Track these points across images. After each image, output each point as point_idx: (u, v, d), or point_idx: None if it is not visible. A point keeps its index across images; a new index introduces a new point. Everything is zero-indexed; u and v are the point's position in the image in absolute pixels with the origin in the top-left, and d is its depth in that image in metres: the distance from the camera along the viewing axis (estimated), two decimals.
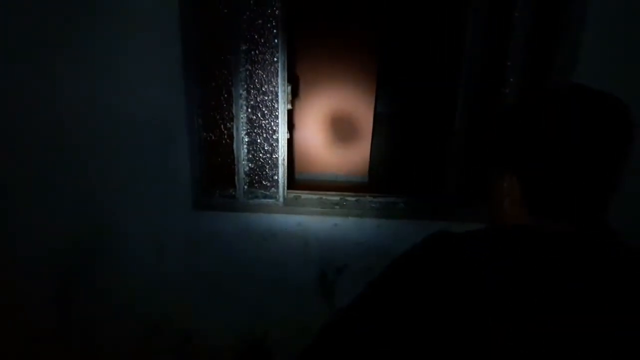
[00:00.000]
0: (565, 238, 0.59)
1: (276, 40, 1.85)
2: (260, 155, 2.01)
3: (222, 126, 1.97)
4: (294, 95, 2.02)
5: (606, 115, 0.58)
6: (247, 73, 1.90)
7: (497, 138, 0.64)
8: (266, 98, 1.94)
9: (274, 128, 1.97)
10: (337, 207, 2.04)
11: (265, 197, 2.05)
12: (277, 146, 1.99)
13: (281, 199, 2.04)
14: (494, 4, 1.81)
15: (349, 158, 2.62)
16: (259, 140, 1.99)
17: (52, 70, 1.81)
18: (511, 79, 1.88)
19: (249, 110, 1.95)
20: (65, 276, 2.06)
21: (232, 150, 1.98)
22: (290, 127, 2.04)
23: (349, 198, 2.08)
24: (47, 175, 1.94)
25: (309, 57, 2.27)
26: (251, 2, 1.82)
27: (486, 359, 0.55)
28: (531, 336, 0.55)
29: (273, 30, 1.84)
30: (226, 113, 1.95)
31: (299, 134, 2.26)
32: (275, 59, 1.88)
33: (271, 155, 2.01)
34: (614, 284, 0.58)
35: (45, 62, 1.81)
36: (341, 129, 2.46)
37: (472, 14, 1.82)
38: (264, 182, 2.05)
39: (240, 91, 1.91)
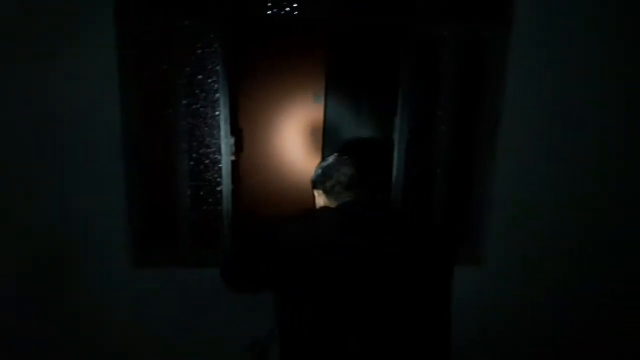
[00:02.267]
0: (355, 202, 1.17)
1: (217, 95, 1.88)
2: (204, 208, 1.99)
3: (162, 179, 1.94)
4: (239, 147, 2.04)
5: (346, 163, 1.24)
6: (189, 127, 1.91)
7: (315, 178, 1.29)
8: (209, 150, 1.94)
9: (218, 180, 1.96)
10: None
11: (210, 249, 2.01)
12: (221, 198, 1.98)
13: (227, 251, 2.00)
14: (421, 62, 1.95)
15: (300, 205, 2.62)
16: (201, 193, 1.97)
17: None
18: (442, 127, 2.00)
19: (192, 162, 1.94)
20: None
21: (174, 203, 1.95)
22: (237, 178, 2.05)
23: None
24: None
25: (254, 107, 2.31)
26: (192, 58, 1.85)
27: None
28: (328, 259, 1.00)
29: (214, 86, 1.88)
30: (167, 166, 1.93)
31: (246, 185, 2.26)
32: (217, 113, 1.90)
33: (215, 207, 1.99)
34: (379, 223, 1.08)
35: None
36: (291, 177, 2.48)
37: (402, 72, 1.94)
38: (208, 235, 2.01)
39: (182, 144, 1.90)
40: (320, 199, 1.27)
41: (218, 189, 1.97)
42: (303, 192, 2.43)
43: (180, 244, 1.98)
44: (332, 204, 1.22)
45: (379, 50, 2.54)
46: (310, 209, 1.28)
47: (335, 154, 1.30)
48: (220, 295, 1.96)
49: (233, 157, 1.98)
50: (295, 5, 1.80)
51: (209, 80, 1.88)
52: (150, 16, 1.78)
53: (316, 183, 1.28)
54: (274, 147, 2.31)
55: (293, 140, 2.37)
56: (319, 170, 1.27)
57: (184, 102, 1.87)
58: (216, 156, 1.95)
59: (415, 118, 2.01)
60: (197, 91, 1.88)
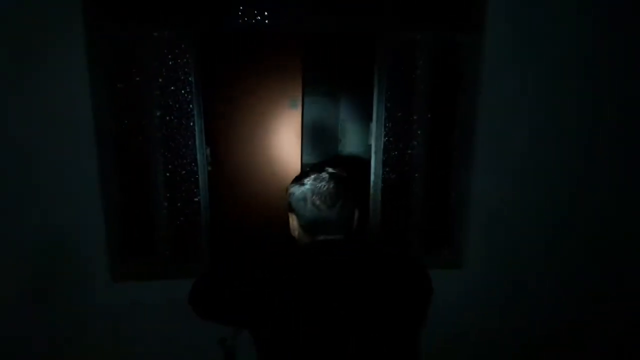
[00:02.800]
0: (329, 242, 1.07)
1: (191, 106, 1.87)
2: (182, 219, 1.97)
3: (139, 191, 1.92)
4: (216, 156, 2.03)
5: (328, 190, 1.07)
6: (164, 138, 1.89)
7: (288, 201, 1.14)
8: (184, 161, 1.93)
9: (194, 190, 1.95)
10: None
11: (189, 261, 2.00)
12: (198, 209, 1.97)
13: (207, 262, 1.99)
14: (396, 66, 1.96)
15: (279, 209, 2.60)
16: (179, 205, 1.96)
17: None
18: (419, 132, 2.01)
19: (168, 174, 1.93)
20: None
21: (151, 215, 1.93)
22: (214, 188, 2.04)
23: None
24: None
25: (230, 116, 2.29)
26: (163, 69, 1.84)
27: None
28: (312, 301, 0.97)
29: (187, 97, 1.86)
30: (143, 178, 1.91)
31: (224, 194, 2.25)
32: (192, 124, 1.89)
33: (193, 218, 1.97)
34: (358, 262, 1.04)
35: None
36: (270, 184, 2.47)
37: (377, 76, 1.95)
38: (187, 247, 2.00)
39: (158, 156, 1.89)
40: (295, 223, 1.15)
41: (195, 199, 1.96)
42: (282, 200, 2.42)
43: (159, 256, 1.96)
44: (305, 237, 1.12)
45: (356, 54, 2.54)
46: (285, 248, 1.17)
47: (316, 179, 1.10)
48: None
49: (209, 168, 1.97)
50: (266, 14, 1.80)
51: (183, 91, 1.86)
52: (119, 27, 1.76)
53: (293, 208, 1.13)
54: (251, 155, 2.30)
55: (271, 148, 2.36)
56: (299, 195, 1.09)
57: (158, 113, 1.86)
58: (192, 167, 1.94)
59: (392, 122, 2.02)
60: (170, 102, 1.87)
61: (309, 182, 1.10)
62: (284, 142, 2.36)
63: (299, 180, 1.13)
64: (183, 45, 1.82)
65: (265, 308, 0.98)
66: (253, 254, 1.10)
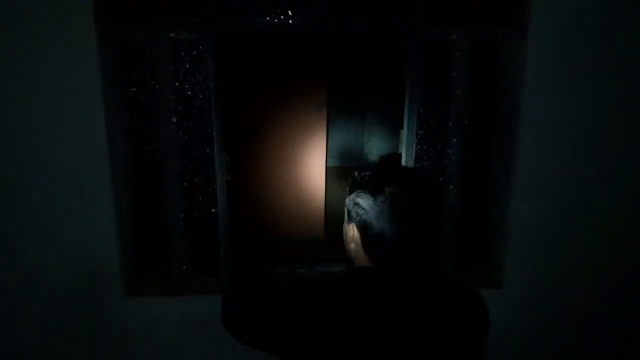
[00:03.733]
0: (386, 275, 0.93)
1: (209, 112, 1.75)
2: (199, 231, 1.86)
3: (153, 201, 1.82)
4: (236, 164, 1.91)
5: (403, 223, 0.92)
6: (180, 145, 1.78)
7: (358, 217, 0.95)
8: (202, 170, 1.82)
9: (213, 201, 1.84)
10: None
11: (207, 276, 1.89)
12: (216, 220, 1.85)
13: (224, 277, 1.88)
14: (429, 69, 1.80)
15: (302, 215, 2.50)
16: (196, 215, 1.85)
17: None
18: (454, 140, 1.84)
19: (184, 183, 1.82)
20: None
21: (167, 227, 1.82)
22: (235, 197, 1.92)
23: (299, 270, 1.95)
24: None
25: (252, 121, 2.18)
26: (180, 72, 1.73)
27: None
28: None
29: (205, 102, 1.75)
30: (157, 188, 1.80)
31: (245, 204, 2.14)
32: (210, 130, 1.78)
33: (211, 230, 1.86)
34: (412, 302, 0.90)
35: None
36: (293, 192, 2.35)
37: (408, 80, 1.80)
38: (204, 259, 1.89)
39: (173, 164, 1.78)
40: (354, 235, 0.98)
41: (213, 210, 1.85)
42: (306, 209, 2.30)
43: (175, 270, 1.86)
44: (361, 255, 0.98)
45: (385, 55, 2.39)
46: (334, 273, 1.01)
47: (390, 198, 0.93)
48: (219, 324, 1.85)
49: (229, 177, 1.86)
50: (289, 13, 1.67)
51: (201, 96, 1.75)
52: (132, 27, 1.66)
53: (355, 220, 0.97)
54: (273, 162, 2.18)
55: (294, 154, 2.23)
56: (368, 209, 0.94)
57: (174, 119, 1.75)
58: (210, 175, 1.82)
59: (424, 129, 1.86)
60: (187, 108, 1.76)
61: (382, 203, 0.92)
62: (308, 147, 2.23)
63: (368, 188, 0.96)
64: (201, 47, 1.71)
65: (281, 305, 0.92)
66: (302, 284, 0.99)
